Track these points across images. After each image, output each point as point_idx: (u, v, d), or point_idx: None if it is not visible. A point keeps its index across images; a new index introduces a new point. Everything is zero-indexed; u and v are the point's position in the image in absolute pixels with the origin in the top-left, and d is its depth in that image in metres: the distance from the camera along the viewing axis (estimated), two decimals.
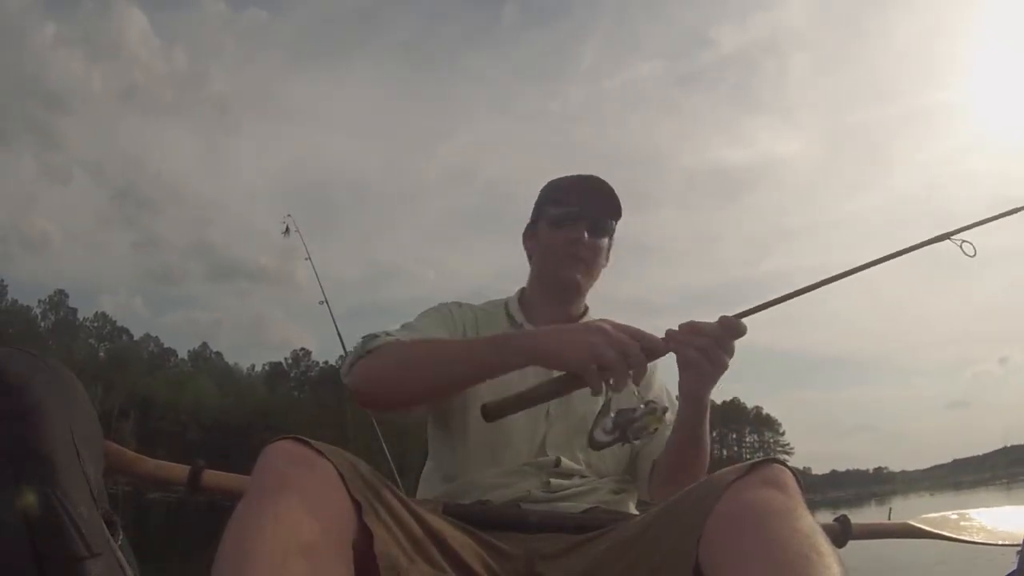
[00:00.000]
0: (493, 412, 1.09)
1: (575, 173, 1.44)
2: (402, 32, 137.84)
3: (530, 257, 1.50)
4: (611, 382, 1.02)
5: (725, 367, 1.11)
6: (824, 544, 0.78)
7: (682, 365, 1.13)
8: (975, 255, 1.15)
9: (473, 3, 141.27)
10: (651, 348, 1.06)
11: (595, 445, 1.08)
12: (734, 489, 0.87)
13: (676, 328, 1.10)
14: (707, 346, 1.08)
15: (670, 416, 1.26)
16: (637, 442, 1.11)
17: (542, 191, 1.48)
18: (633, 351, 1.02)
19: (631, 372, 1.02)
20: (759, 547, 0.79)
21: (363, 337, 1.27)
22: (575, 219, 1.39)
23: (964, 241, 1.17)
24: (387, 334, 1.28)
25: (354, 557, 0.83)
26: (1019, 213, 1.28)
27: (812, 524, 0.81)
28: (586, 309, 1.47)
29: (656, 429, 1.11)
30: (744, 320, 1.10)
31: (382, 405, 1.27)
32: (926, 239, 1.19)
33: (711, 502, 0.86)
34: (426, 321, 1.38)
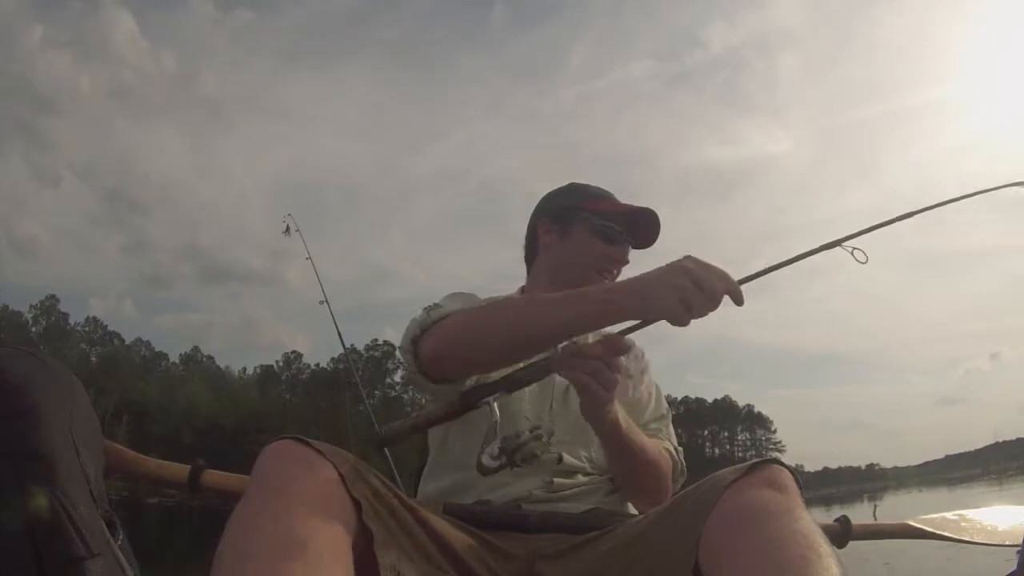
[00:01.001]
0: (387, 439, 1.17)
1: (597, 183, 1.48)
2: (393, 33, 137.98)
3: (543, 248, 1.48)
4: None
5: (615, 384, 1.09)
6: (823, 545, 0.79)
7: (576, 390, 1.12)
8: (867, 261, 1.13)
9: (464, 3, 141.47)
10: (734, 291, 1.03)
11: (482, 470, 1.10)
12: (734, 489, 0.88)
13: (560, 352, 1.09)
14: (594, 368, 1.07)
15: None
16: (519, 468, 1.14)
17: (583, 192, 1.47)
18: (718, 288, 1.02)
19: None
20: (758, 547, 0.79)
21: (424, 308, 1.24)
22: (624, 242, 1.41)
23: (855, 248, 1.15)
24: (438, 306, 1.25)
25: (354, 557, 0.83)
26: (907, 219, 1.26)
27: (811, 525, 0.82)
28: None
29: (542, 454, 1.14)
30: (631, 336, 1.11)
31: (462, 367, 1.20)
32: (818, 246, 1.18)
33: (711, 502, 0.87)
34: (457, 302, 1.32)
